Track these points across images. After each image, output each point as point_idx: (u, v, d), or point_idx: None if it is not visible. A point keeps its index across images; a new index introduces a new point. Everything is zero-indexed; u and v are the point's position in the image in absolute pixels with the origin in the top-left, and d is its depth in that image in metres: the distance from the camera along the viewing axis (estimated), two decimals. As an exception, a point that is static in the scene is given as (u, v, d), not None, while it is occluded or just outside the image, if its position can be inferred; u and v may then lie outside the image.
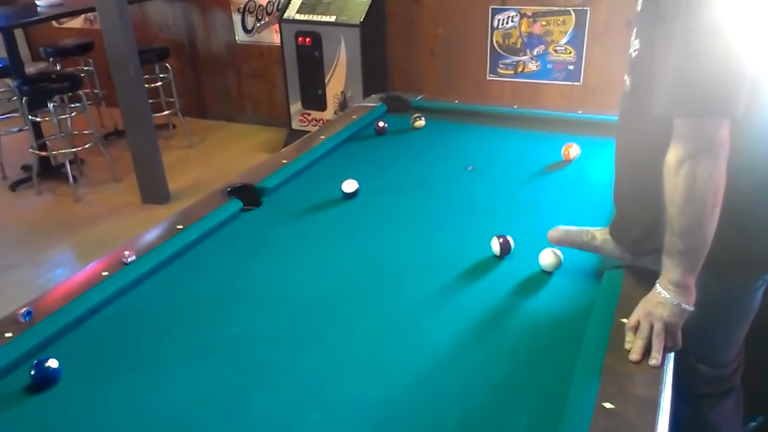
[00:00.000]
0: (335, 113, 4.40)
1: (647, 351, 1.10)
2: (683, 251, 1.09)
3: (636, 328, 1.13)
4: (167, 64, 4.87)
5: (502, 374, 1.17)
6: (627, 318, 1.17)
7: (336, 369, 1.20)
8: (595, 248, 1.37)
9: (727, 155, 1.04)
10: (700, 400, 1.44)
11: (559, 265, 1.44)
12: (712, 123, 1.02)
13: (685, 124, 1.04)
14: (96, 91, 5.22)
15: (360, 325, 1.33)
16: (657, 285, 1.14)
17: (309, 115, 4.59)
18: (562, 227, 1.44)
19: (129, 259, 1.49)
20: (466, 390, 1.13)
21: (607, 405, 1.00)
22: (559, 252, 1.44)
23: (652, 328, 1.10)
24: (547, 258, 1.44)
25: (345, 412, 1.09)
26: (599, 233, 1.37)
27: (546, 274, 1.45)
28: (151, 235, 1.63)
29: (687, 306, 1.11)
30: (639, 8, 1.18)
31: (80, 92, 4.28)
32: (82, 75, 4.91)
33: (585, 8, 3.90)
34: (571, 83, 4.09)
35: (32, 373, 1.16)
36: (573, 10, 3.93)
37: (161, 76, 4.89)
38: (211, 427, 1.08)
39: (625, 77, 1.24)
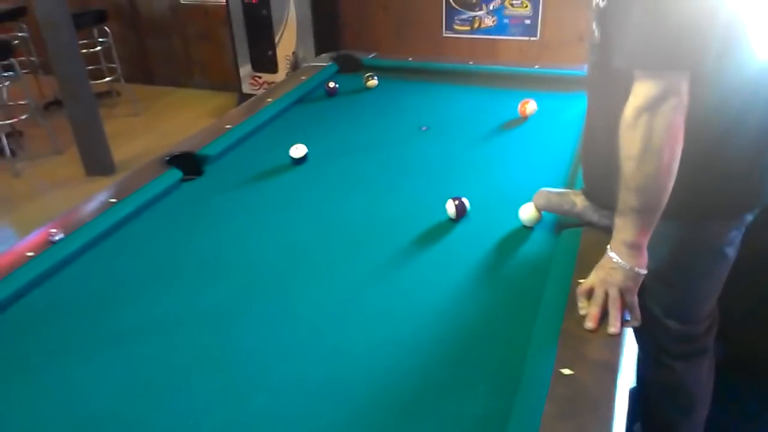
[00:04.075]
0: (287, 75, 4.24)
1: (603, 317, 1.05)
2: (638, 209, 1.05)
3: (589, 294, 1.08)
4: (106, 28, 4.60)
5: (458, 345, 1.12)
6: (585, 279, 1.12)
7: (283, 347, 1.13)
8: (577, 215, 1.33)
9: (687, 108, 1.00)
10: (670, 361, 1.38)
11: (539, 219, 1.41)
12: (672, 75, 0.99)
13: (644, 76, 1.01)
14: (32, 58, 4.91)
15: (308, 299, 1.25)
16: (609, 249, 1.10)
17: (260, 78, 4.41)
18: (545, 192, 1.39)
19: (56, 238, 1.37)
20: (421, 364, 1.07)
21: (566, 371, 0.96)
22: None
23: (607, 294, 1.06)
24: (527, 212, 1.41)
25: (293, 393, 1.02)
26: (579, 199, 1.32)
27: (526, 229, 1.41)
28: (82, 210, 1.51)
29: (640, 269, 1.08)
30: None
31: (13, 60, 4.01)
32: (16, 42, 4.62)
33: (540, -40, 3.80)
34: (528, 38, 4.01)
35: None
36: (528, -39, 3.83)
37: (100, 40, 4.62)
38: (150, 415, 1.00)
39: (594, 27, 1.18)
